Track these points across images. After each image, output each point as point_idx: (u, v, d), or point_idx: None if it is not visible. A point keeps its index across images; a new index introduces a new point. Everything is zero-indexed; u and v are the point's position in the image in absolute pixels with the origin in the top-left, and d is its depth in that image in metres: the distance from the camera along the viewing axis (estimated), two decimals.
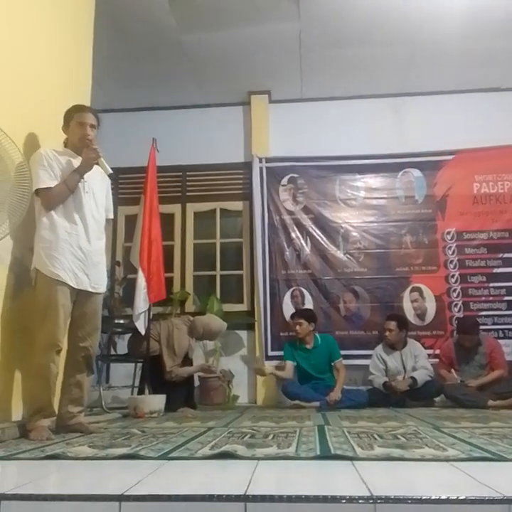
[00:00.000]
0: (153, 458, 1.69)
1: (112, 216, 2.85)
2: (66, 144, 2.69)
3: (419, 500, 1.13)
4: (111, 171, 2.67)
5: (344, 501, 1.14)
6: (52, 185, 2.49)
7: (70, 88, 3.17)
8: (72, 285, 2.47)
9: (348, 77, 5.16)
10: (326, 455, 1.67)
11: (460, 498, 1.13)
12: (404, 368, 4.26)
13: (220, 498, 1.17)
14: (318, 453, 1.71)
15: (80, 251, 2.52)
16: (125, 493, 1.20)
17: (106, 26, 3.95)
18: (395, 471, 1.48)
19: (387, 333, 4.30)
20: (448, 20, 4.31)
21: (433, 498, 1.13)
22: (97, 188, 2.69)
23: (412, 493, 1.16)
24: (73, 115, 2.64)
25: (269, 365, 4.34)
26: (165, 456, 1.71)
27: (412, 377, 4.05)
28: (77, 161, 2.58)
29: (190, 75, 5.14)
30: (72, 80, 3.25)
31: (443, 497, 1.13)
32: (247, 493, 1.18)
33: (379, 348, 4.39)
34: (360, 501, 1.13)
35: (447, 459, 1.58)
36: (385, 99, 5.42)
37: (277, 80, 5.26)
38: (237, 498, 1.17)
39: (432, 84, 5.26)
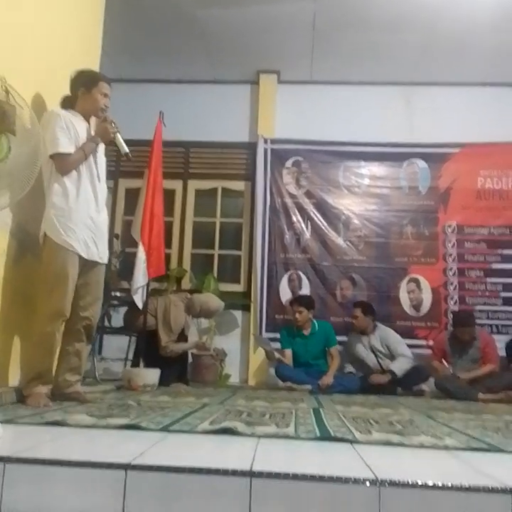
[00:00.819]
0: (155, 430, 1.69)
1: None
2: (66, 103, 2.58)
3: (425, 487, 1.14)
4: (127, 151, 2.62)
5: (350, 482, 1.15)
6: (72, 151, 2.43)
7: (80, 57, 3.10)
8: (84, 256, 2.45)
9: (359, 62, 5.10)
10: (326, 437, 1.69)
11: (464, 486, 1.14)
12: (373, 352, 4.30)
13: (226, 472, 1.18)
14: (317, 434, 1.72)
15: (90, 221, 2.49)
16: (132, 463, 1.20)
17: None
18: (396, 457, 1.49)
19: (354, 321, 4.38)
20: (466, 10, 4.26)
21: (439, 484, 1.14)
22: (102, 159, 2.66)
23: (415, 479, 1.16)
24: (98, 83, 2.57)
25: (275, 351, 4.37)
26: (166, 429, 1.71)
27: (391, 371, 4.07)
28: (86, 126, 2.54)
29: (201, 50, 5.06)
30: (82, 48, 3.20)
31: (448, 484, 1.14)
32: (253, 469, 1.19)
33: (350, 336, 4.48)
34: (367, 484, 1.14)
35: (446, 448, 1.59)
36: (396, 87, 5.38)
37: (287, 60, 5.19)
38: (242, 474, 1.17)
39: (445, 75, 5.22)
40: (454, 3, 4.20)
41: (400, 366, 4.09)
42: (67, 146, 2.41)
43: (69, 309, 2.44)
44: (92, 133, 2.60)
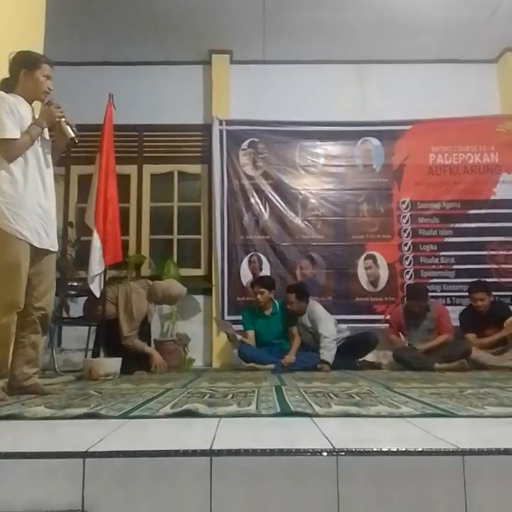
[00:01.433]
0: (114, 417, 1.68)
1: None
2: (8, 89, 2.44)
3: (379, 453, 1.18)
4: (73, 135, 2.52)
5: (308, 454, 1.17)
6: (19, 137, 2.32)
7: (23, 39, 2.96)
8: (36, 245, 2.38)
9: (312, 40, 5.09)
10: (286, 412, 1.71)
11: (417, 450, 1.18)
12: (306, 329, 4.32)
13: (185, 453, 1.18)
14: (278, 410, 1.75)
15: (40, 208, 2.41)
16: (89, 450, 1.19)
17: None
18: (354, 427, 1.53)
19: (289, 306, 4.36)
20: None
21: (392, 450, 1.18)
22: (48, 143, 2.56)
23: (371, 447, 1.20)
24: (40, 65, 2.45)
25: (237, 334, 4.36)
26: (126, 415, 1.70)
27: (324, 361, 3.96)
28: (30, 109, 2.44)
29: (150, 30, 4.93)
30: (25, 30, 3.07)
31: (401, 449, 1.18)
32: (213, 448, 1.20)
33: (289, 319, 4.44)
34: (324, 454, 1.17)
35: (402, 416, 1.65)
36: (349, 66, 5.41)
37: (240, 40, 5.14)
38: (202, 453, 1.18)
39: (396, 54, 5.28)
40: None
41: (327, 353, 3.99)
42: (13, 131, 2.31)
43: (23, 300, 2.37)
44: (36, 117, 2.50)
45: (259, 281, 4.55)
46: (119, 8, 4.58)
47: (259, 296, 4.38)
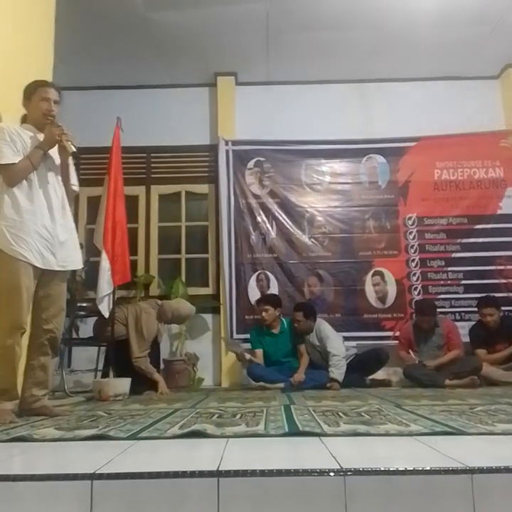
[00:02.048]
0: (123, 438, 1.68)
1: (77, 190, 2.76)
2: (24, 120, 2.60)
3: (387, 472, 1.17)
4: (74, 150, 2.58)
5: (315, 474, 1.17)
6: (16, 161, 2.40)
7: (32, 64, 3.06)
8: (39, 266, 2.41)
9: (315, 61, 5.17)
10: (294, 432, 1.71)
11: (425, 469, 1.18)
12: (314, 348, 4.31)
13: (192, 474, 1.18)
14: (286, 430, 1.74)
15: (45, 230, 2.45)
16: (97, 472, 1.19)
17: (69, 1, 3.81)
18: (362, 446, 1.53)
19: (296, 324, 4.35)
20: (415, 8, 4.38)
21: (400, 469, 1.17)
22: (58, 165, 2.62)
23: (379, 466, 1.20)
24: (36, 90, 2.55)
25: (246, 352, 4.36)
26: (134, 437, 1.70)
27: (334, 379, 3.94)
28: (39, 137, 2.50)
29: (157, 54, 5.04)
30: (34, 56, 3.15)
31: (409, 468, 1.18)
32: (220, 469, 1.20)
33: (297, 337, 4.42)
34: (331, 474, 1.17)
35: (411, 434, 1.64)
36: (352, 85, 5.48)
37: (244, 61, 5.22)
38: (209, 474, 1.18)
39: (398, 72, 5.35)
40: (403, 2, 4.31)
41: (337, 371, 3.97)
42: (10, 157, 2.39)
43: (26, 321, 2.40)
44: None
45: (263, 299, 4.56)
46: (124, 33, 4.69)
47: (264, 314, 4.39)
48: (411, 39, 4.81)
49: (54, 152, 2.57)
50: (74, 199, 2.83)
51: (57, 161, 2.61)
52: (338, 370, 3.99)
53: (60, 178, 2.62)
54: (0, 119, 2.65)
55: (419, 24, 4.60)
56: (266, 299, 4.51)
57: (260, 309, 4.44)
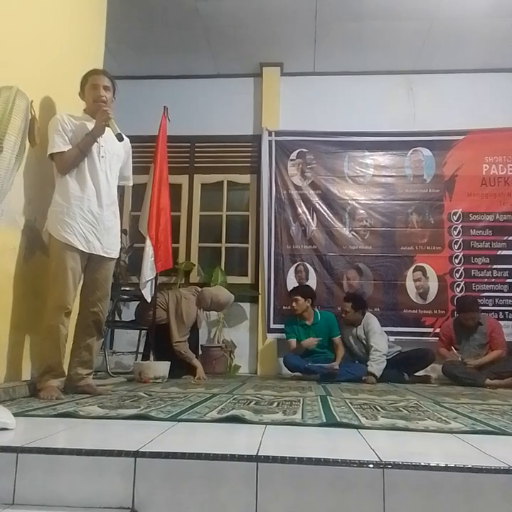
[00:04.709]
0: (164, 419, 1.73)
1: (130, 184, 2.88)
2: (85, 110, 2.70)
3: (427, 467, 1.17)
4: (119, 131, 2.60)
5: (354, 465, 1.18)
6: (66, 150, 2.49)
7: (83, 54, 3.14)
8: (83, 249, 2.51)
9: (362, 51, 5.08)
10: (332, 423, 1.72)
11: (467, 466, 1.16)
12: (359, 340, 4.30)
13: (233, 457, 1.21)
14: (324, 420, 1.75)
15: (91, 215, 2.54)
16: (141, 450, 1.24)
17: None
18: (401, 440, 1.52)
19: (344, 315, 4.34)
20: None
21: (440, 465, 1.16)
22: (114, 154, 2.68)
23: (419, 461, 1.19)
24: (87, 79, 2.66)
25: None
26: (174, 418, 1.75)
27: (371, 373, 3.93)
28: (91, 125, 2.57)
29: (204, 44, 5.06)
30: (86, 45, 3.22)
31: (450, 464, 1.17)
32: (259, 454, 1.22)
33: (343, 328, 4.42)
34: (370, 466, 1.17)
35: (451, 431, 1.62)
36: (399, 76, 5.35)
37: (290, 52, 5.18)
38: (249, 458, 1.20)
39: (447, 63, 5.19)
40: None
41: (376, 366, 3.98)
42: (60, 146, 2.50)
43: (71, 302, 2.50)
44: None
45: (294, 289, 4.56)
46: (172, 24, 4.73)
47: (294, 304, 4.39)
48: (463, 30, 4.65)
49: (112, 141, 2.61)
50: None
51: (116, 150, 2.67)
52: (377, 366, 3.98)
53: (114, 166, 2.68)
54: (55, 110, 2.74)
55: (469, 14, 4.44)
56: (296, 290, 4.52)
57: (291, 299, 4.45)
